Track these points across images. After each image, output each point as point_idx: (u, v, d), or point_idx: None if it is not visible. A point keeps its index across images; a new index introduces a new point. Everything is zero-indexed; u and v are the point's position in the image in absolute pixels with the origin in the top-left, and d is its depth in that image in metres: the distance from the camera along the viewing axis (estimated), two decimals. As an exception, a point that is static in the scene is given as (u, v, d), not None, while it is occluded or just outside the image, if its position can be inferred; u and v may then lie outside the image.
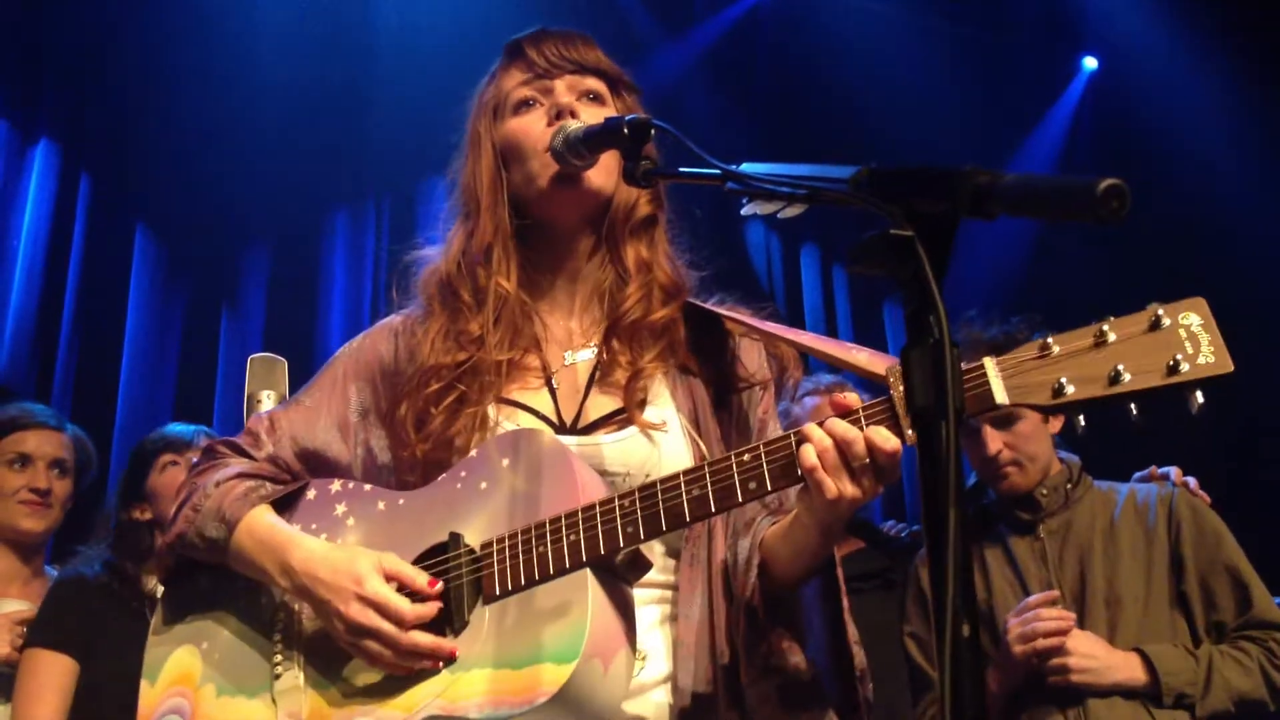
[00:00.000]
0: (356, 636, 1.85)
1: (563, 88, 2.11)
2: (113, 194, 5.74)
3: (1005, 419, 3.32)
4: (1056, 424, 3.41)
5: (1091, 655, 3.08)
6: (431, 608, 1.85)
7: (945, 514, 1.11)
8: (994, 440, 3.32)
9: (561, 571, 1.81)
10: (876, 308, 7.33)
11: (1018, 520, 3.39)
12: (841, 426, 1.73)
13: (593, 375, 2.09)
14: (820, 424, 1.75)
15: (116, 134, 5.76)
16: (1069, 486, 3.38)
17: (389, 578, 1.87)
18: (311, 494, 2.09)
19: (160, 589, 2.19)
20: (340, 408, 2.16)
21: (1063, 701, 3.12)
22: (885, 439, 1.70)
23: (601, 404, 2.06)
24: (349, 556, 1.90)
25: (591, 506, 1.83)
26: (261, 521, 2.00)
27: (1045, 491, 3.36)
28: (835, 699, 1.94)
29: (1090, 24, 7.26)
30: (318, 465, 2.15)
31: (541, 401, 2.07)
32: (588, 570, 1.81)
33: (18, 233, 5.41)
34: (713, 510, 1.79)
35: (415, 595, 1.87)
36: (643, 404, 2.04)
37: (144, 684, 2.08)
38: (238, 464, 2.12)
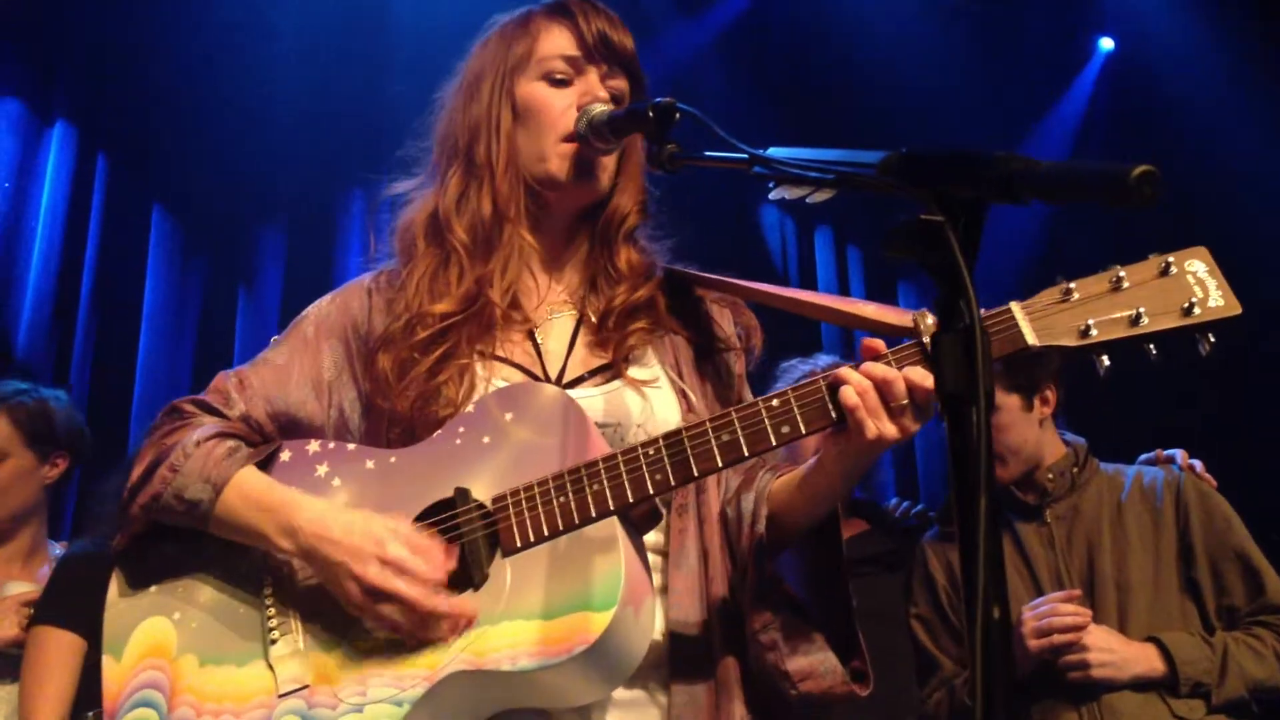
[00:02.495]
0: (374, 600, 1.81)
1: (596, 78, 2.12)
2: (129, 174, 5.74)
3: None
4: (1045, 409, 3.39)
5: (1109, 649, 3.07)
6: (443, 574, 1.83)
7: (977, 498, 1.12)
8: None
9: (587, 520, 1.81)
10: (891, 287, 7.32)
11: (1024, 505, 3.38)
12: (879, 368, 1.77)
13: (575, 333, 2.12)
14: (855, 367, 1.79)
15: (133, 114, 5.76)
16: (1075, 470, 3.37)
17: (406, 538, 1.84)
18: (286, 455, 2.02)
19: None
20: (313, 366, 2.11)
21: (1076, 696, 3.12)
22: (923, 376, 1.75)
23: (586, 360, 2.09)
24: (363, 518, 1.86)
25: (613, 456, 1.84)
26: (254, 481, 1.94)
27: (1051, 476, 3.35)
28: (831, 635, 1.96)
29: (1107, 4, 7.23)
30: (290, 426, 2.09)
31: (525, 357, 2.08)
32: (615, 518, 1.82)
33: (35, 213, 5.41)
34: (745, 454, 1.81)
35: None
36: (629, 360, 2.07)
37: (107, 660, 1.98)
38: (213, 423, 2.04)
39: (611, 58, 2.13)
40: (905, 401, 1.75)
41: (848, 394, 1.76)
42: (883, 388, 1.76)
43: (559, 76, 2.12)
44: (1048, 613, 3.09)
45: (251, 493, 1.93)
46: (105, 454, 4.90)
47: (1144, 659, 3.09)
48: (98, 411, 5.25)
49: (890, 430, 1.76)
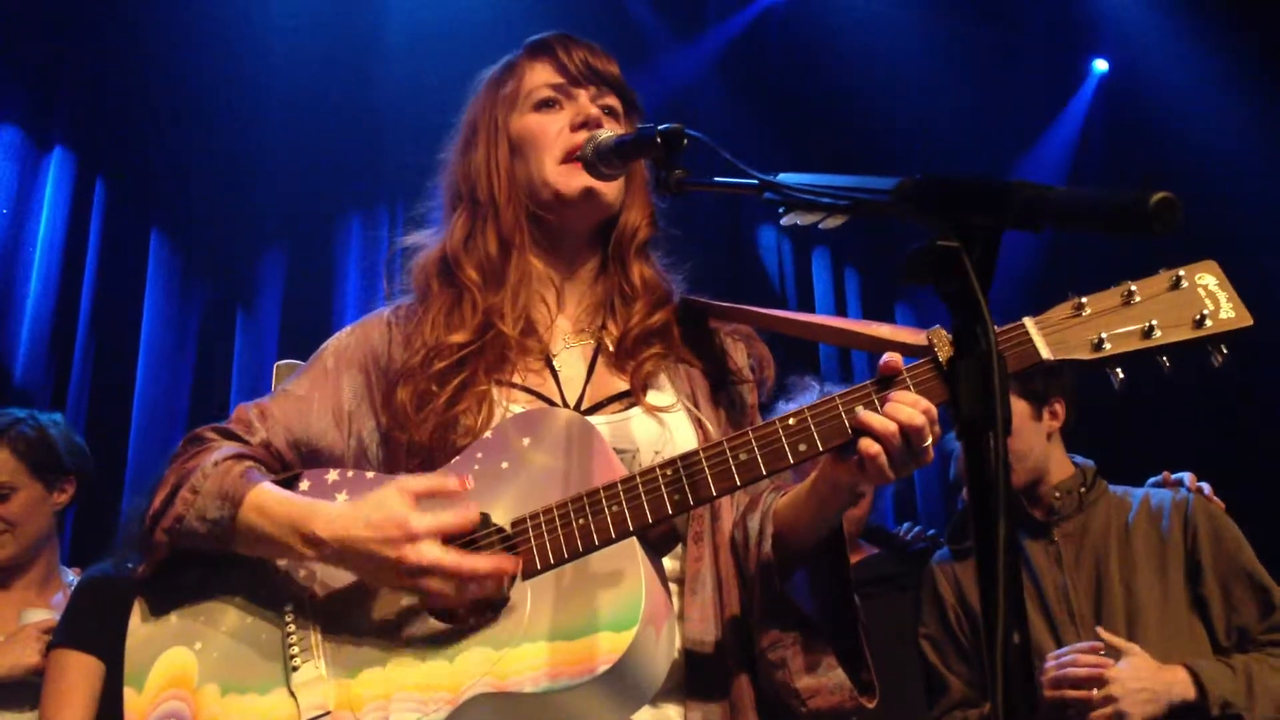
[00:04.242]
0: (416, 578, 1.81)
1: (586, 98, 2.16)
2: (127, 199, 5.73)
3: None
4: (1053, 423, 3.40)
5: (1140, 689, 3.02)
6: (472, 511, 1.85)
7: (995, 524, 1.13)
8: None
9: (607, 542, 1.82)
10: (888, 309, 7.32)
11: (1033, 523, 3.39)
12: (905, 411, 1.76)
13: (594, 360, 2.14)
14: (880, 406, 1.78)
15: (131, 140, 5.76)
16: (1082, 490, 3.38)
17: (418, 497, 1.85)
18: (305, 484, 2.03)
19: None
20: (334, 396, 2.14)
21: None
22: (911, 416, 1.75)
23: (604, 387, 2.11)
24: (376, 505, 1.85)
25: (631, 478, 1.84)
26: (271, 495, 1.95)
27: (1059, 495, 3.36)
28: (839, 651, 1.97)
29: (1101, 26, 7.26)
30: (311, 456, 2.12)
31: (544, 384, 2.10)
32: (634, 539, 1.82)
33: (34, 239, 5.40)
34: (763, 473, 1.82)
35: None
36: (646, 388, 2.09)
37: (128, 691, 1.97)
38: (232, 446, 2.07)
39: (597, 80, 2.18)
40: (928, 444, 1.76)
41: (868, 444, 1.76)
42: (910, 434, 1.75)
43: (550, 104, 2.16)
44: (1068, 663, 3.07)
45: (269, 507, 1.93)
46: (104, 479, 4.90)
47: (1177, 682, 3.06)
48: (96, 437, 5.21)
49: (907, 471, 1.79)
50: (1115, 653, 3.11)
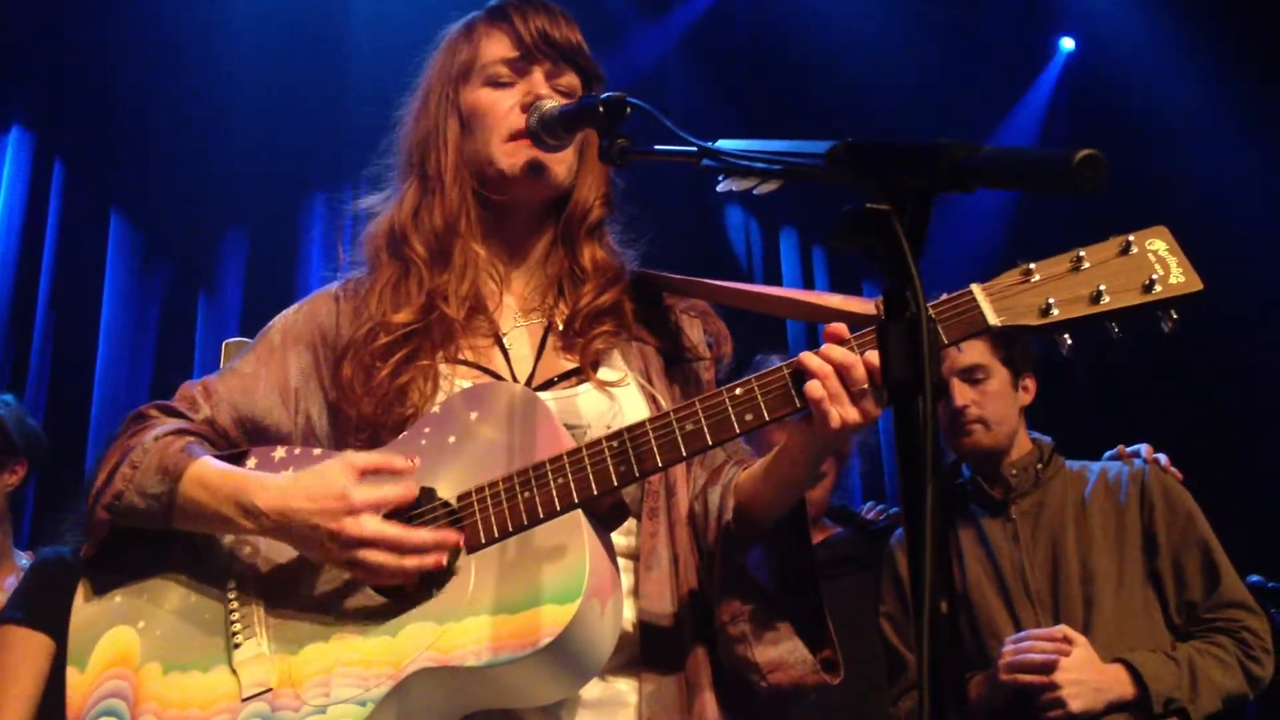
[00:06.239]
0: (355, 549, 1.79)
1: (540, 76, 2.11)
2: (86, 180, 5.69)
3: (974, 375, 3.31)
4: (1025, 397, 3.40)
5: (1080, 681, 3.01)
6: (413, 488, 1.84)
7: (923, 487, 1.11)
8: (962, 393, 3.31)
9: (552, 514, 1.80)
10: (856, 288, 7.33)
11: (990, 501, 3.38)
12: (838, 351, 1.76)
13: (544, 338, 2.12)
14: (815, 351, 1.78)
15: (90, 120, 5.71)
16: (1039, 467, 3.37)
17: (363, 473, 1.83)
18: (252, 461, 2.01)
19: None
20: (280, 373, 2.12)
21: None
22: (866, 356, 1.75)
23: (555, 364, 2.09)
24: (317, 476, 1.84)
25: (577, 450, 1.83)
26: (210, 468, 1.93)
27: (1015, 471, 3.35)
28: (801, 626, 1.96)
29: (1067, 4, 7.27)
30: (257, 434, 2.09)
31: (494, 360, 2.08)
32: (580, 511, 1.81)
33: (-9, 220, 5.37)
34: (709, 443, 1.80)
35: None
36: (597, 365, 2.07)
37: (71, 671, 1.97)
38: (174, 422, 2.06)
39: (554, 54, 2.13)
40: (866, 385, 1.75)
41: (812, 386, 1.76)
42: (843, 372, 1.75)
43: (503, 80, 2.12)
44: (1025, 649, 3.06)
45: (209, 479, 1.91)
46: (65, 462, 4.86)
47: (1116, 682, 3.04)
48: (56, 421, 5.19)
49: (853, 415, 1.75)
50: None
